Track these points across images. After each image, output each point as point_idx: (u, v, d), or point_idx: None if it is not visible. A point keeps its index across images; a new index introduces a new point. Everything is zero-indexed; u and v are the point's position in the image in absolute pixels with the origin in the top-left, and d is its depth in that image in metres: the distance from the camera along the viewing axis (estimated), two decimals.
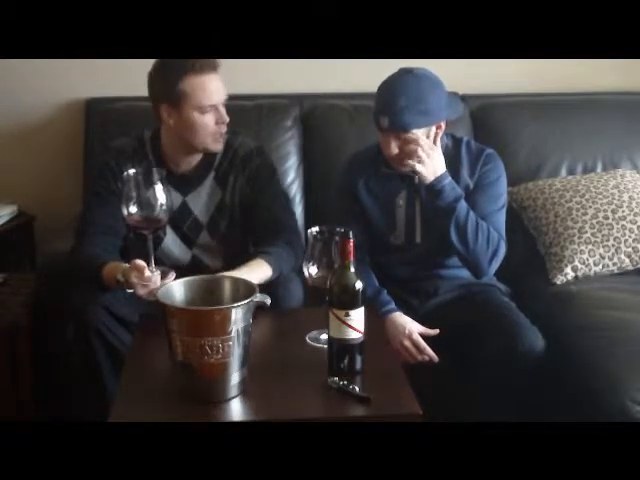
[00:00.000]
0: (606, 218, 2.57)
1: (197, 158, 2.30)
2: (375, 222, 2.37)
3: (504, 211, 2.34)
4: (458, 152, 2.34)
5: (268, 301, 1.72)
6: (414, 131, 2.18)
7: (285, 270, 2.18)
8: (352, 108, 2.82)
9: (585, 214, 2.58)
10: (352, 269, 1.76)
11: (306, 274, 1.90)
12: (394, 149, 2.21)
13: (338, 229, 1.82)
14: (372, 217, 2.37)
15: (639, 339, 2.18)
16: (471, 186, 2.31)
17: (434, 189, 2.21)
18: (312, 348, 1.91)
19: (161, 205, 2.00)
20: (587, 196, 2.63)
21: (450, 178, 2.22)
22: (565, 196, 2.65)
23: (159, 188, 1.99)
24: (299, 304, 2.21)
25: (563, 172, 2.81)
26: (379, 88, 2.24)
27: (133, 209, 1.99)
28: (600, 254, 2.54)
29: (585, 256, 2.53)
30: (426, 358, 2.20)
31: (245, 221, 2.33)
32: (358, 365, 1.77)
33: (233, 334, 1.63)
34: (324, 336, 1.85)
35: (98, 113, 2.79)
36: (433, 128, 2.22)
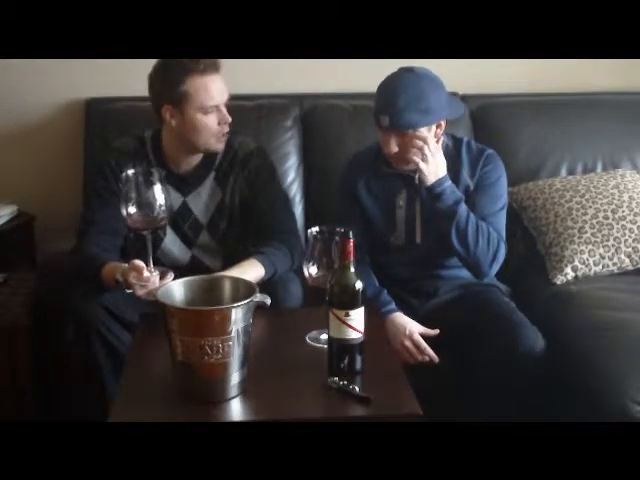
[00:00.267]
0: (606, 218, 2.57)
1: (197, 158, 2.30)
2: (375, 222, 2.37)
3: (504, 212, 2.34)
4: (458, 152, 2.34)
5: (268, 301, 1.72)
6: (420, 130, 2.18)
7: (280, 270, 2.18)
8: (352, 108, 2.82)
9: (585, 214, 2.58)
10: (352, 269, 1.76)
11: (306, 274, 1.89)
12: (394, 148, 2.21)
13: (338, 229, 1.82)
14: (372, 217, 2.37)
15: (639, 339, 2.18)
16: (471, 187, 2.31)
17: (434, 192, 2.21)
18: (312, 348, 1.91)
19: (160, 205, 2.00)
20: (587, 196, 2.63)
21: (450, 181, 2.22)
22: (565, 196, 2.64)
23: (158, 188, 1.99)
24: (299, 304, 2.21)
25: (563, 172, 2.81)
26: (379, 87, 2.24)
27: (132, 209, 1.99)
28: (600, 254, 2.54)
29: (585, 256, 2.53)
30: (426, 358, 2.20)
31: (245, 221, 2.33)
32: (358, 365, 1.77)
33: (233, 334, 1.63)
34: (324, 336, 1.85)
35: (98, 113, 2.78)
36: (433, 127, 2.22)
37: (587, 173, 2.79)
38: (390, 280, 2.34)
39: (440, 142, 2.26)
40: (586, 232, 2.55)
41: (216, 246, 2.34)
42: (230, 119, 2.22)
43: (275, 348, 1.95)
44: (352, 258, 1.75)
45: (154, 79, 2.21)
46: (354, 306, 1.75)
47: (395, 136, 2.20)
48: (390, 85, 2.21)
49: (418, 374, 1.99)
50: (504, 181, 2.36)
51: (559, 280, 2.54)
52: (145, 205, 1.99)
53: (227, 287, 1.78)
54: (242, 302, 1.64)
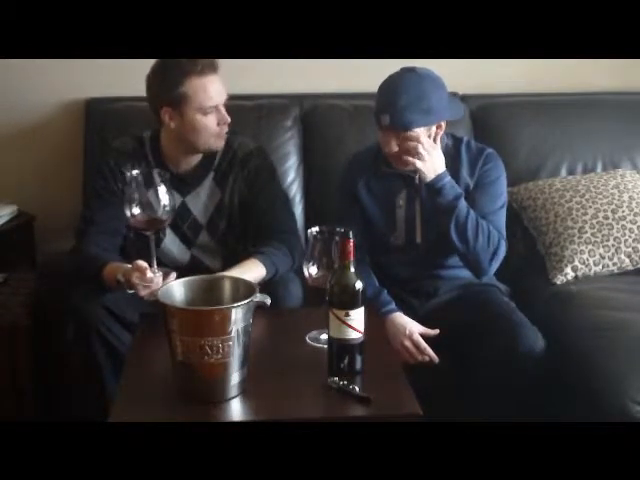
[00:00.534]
0: (606, 218, 2.57)
1: (196, 159, 2.30)
2: (375, 222, 2.37)
3: (504, 210, 2.34)
4: (458, 152, 2.34)
5: (268, 301, 1.72)
6: (415, 130, 2.18)
7: (281, 270, 2.18)
8: (352, 108, 2.82)
9: (585, 214, 2.58)
10: (352, 269, 1.76)
11: (306, 274, 1.89)
12: (394, 147, 2.21)
13: (338, 229, 1.82)
14: (372, 217, 2.37)
15: (639, 339, 2.18)
16: (471, 186, 2.31)
17: (434, 187, 2.21)
18: (312, 348, 1.91)
19: (164, 206, 2.01)
20: (587, 196, 2.63)
21: (450, 177, 2.22)
22: (565, 196, 2.64)
23: (162, 189, 2.00)
24: (299, 304, 2.21)
25: (563, 172, 2.81)
26: (380, 87, 2.24)
27: (136, 210, 2.00)
28: (600, 254, 2.54)
29: (585, 256, 2.53)
30: (426, 358, 2.20)
31: (244, 221, 2.33)
32: (358, 365, 1.77)
33: (233, 334, 1.63)
34: (324, 336, 1.85)
35: (98, 113, 2.78)
36: (433, 127, 2.22)
37: (587, 173, 2.79)
38: (390, 280, 2.34)
39: (438, 139, 2.26)
40: (586, 232, 2.55)
41: (216, 246, 2.34)
42: (229, 119, 2.22)
43: (275, 348, 1.95)
44: (352, 258, 1.75)
45: (152, 81, 2.21)
46: (354, 306, 1.75)
47: (395, 136, 2.20)
48: (391, 85, 2.21)
49: (418, 374, 1.99)
50: (504, 180, 2.36)
51: (559, 280, 2.54)
52: (149, 206, 2.00)
53: (227, 287, 1.78)
54: (242, 302, 1.64)
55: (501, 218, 2.32)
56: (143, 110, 2.29)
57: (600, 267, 2.54)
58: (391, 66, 2.23)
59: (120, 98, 2.77)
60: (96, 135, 2.73)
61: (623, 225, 2.56)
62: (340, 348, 1.77)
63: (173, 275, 2.02)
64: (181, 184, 2.28)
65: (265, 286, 2.03)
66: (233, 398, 1.69)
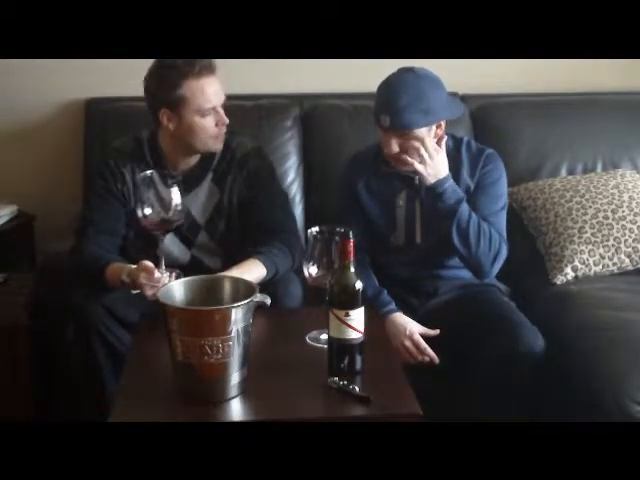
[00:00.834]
0: (606, 218, 2.57)
1: (195, 159, 2.30)
2: (375, 222, 2.37)
3: (505, 212, 2.33)
4: (458, 153, 2.34)
5: (268, 301, 1.72)
6: (418, 130, 2.18)
7: (282, 270, 2.18)
8: (352, 108, 2.82)
9: (585, 214, 2.58)
10: (352, 269, 1.76)
11: (306, 274, 1.89)
12: (394, 148, 2.21)
13: (338, 229, 1.82)
14: (372, 217, 2.37)
15: (639, 339, 2.18)
16: (472, 187, 2.31)
17: (435, 192, 2.21)
18: (312, 348, 1.91)
19: (176, 205, 2.01)
20: (587, 196, 2.63)
21: (452, 181, 2.22)
22: (565, 196, 2.64)
23: (174, 190, 2.01)
24: (299, 304, 2.21)
25: (563, 172, 2.81)
26: (379, 87, 2.24)
27: (148, 210, 2.00)
28: (600, 254, 2.54)
29: (585, 256, 2.53)
30: (426, 359, 2.19)
31: (243, 221, 2.33)
32: (358, 365, 1.77)
33: (233, 334, 1.63)
34: (324, 336, 1.85)
35: (98, 113, 2.79)
36: (433, 127, 2.22)
37: (587, 173, 2.79)
38: (390, 280, 2.34)
39: (443, 143, 2.26)
40: (586, 232, 2.55)
41: (215, 246, 2.34)
42: (227, 120, 2.22)
43: (275, 348, 1.95)
44: (352, 258, 1.75)
45: (149, 83, 2.21)
46: (354, 306, 1.75)
47: (396, 136, 2.20)
48: (390, 85, 2.21)
49: (418, 374, 1.99)
50: (504, 181, 2.36)
51: (559, 280, 2.54)
52: (161, 206, 2.01)
53: (227, 287, 1.78)
54: (242, 302, 1.64)
55: (502, 219, 2.32)
56: (143, 110, 2.29)
57: (600, 267, 2.54)
58: (391, 66, 2.23)
59: (120, 98, 2.77)
60: (96, 135, 2.74)
61: (623, 225, 2.56)
62: (340, 348, 1.77)
63: (180, 274, 2.03)
64: (180, 184, 2.28)
65: (265, 286, 2.03)
66: (233, 398, 1.69)
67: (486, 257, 2.23)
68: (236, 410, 1.69)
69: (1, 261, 2.65)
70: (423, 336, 2.21)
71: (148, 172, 2.03)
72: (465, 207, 2.22)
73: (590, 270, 2.54)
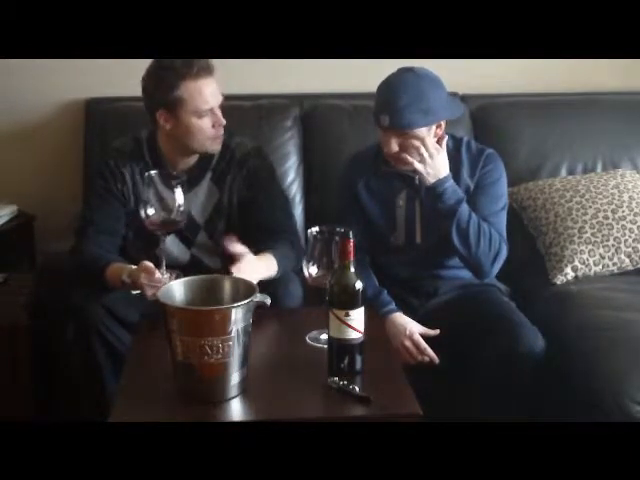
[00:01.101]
0: (606, 218, 2.57)
1: (194, 159, 2.30)
2: (375, 222, 2.37)
3: (505, 212, 2.33)
4: (458, 153, 2.34)
5: (268, 301, 1.72)
6: (418, 130, 2.18)
7: (286, 269, 2.18)
8: (352, 108, 2.82)
9: (585, 214, 2.58)
10: (352, 269, 1.76)
11: (306, 274, 1.90)
12: (394, 147, 2.21)
13: (338, 229, 1.82)
14: (372, 217, 2.37)
15: (639, 339, 2.18)
16: (472, 187, 2.31)
17: (435, 192, 2.21)
18: (312, 348, 1.91)
19: (179, 206, 2.01)
20: (587, 196, 2.63)
21: (452, 181, 2.22)
22: (565, 196, 2.64)
23: (178, 191, 2.01)
24: (299, 304, 2.21)
25: (563, 172, 2.81)
26: (379, 87, 2.24)
27: (151, 211, 2.00)
28: (600, 254, 2.54)
29: (585, 256, 2.53)
30: (427, 359, 2.19)
31: (243, 221, 2.33)
32: (358, 365, 1.77)
33: (233, 334, 1.63)
34: (324, 336, 1.85)
35: (98, 113, 2.79)
36: (433, 127, 2.22)
37: (587, 173, 2.79)
38: (390, 280, 2.34)
39: (444, 143, 2.26)
40: (586, 232, 2.55)
41: (215, 246, 2.34)
42: (224, 122, 2.22)
43: (275, 348, 1.95)
44: (352, 258, 1.75)
45: (147, 84, 2.21)
46: (354, 306, 1.75)
47: (395, 136, 2.20)
48: (390, 85, 2.21)
49: (418, 374, 1.99)
50: (504, 181, 2.36)
51: (559, 280, 2.54)
52: (164, 207, 2.01)
53: (227, 287, 1.78)
54: (242, 302, 1.64)
55: (502, 220, 2.32)
56: (143, 110, 2.28)
57: (600, 267, 2.54)
58: (391, 66, 2.23)
59: (120, 98, 2.77)
60: (96, 135, 2.74)
61: (623, 225, 2.56)
62: (340, 348, 1.77)
63: (180, 275, 2.03)
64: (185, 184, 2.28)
65: (265, 286, 2.03)
66: (233, 398, 1.69)
67: (486, 257, 2.23)
68: (236, 410, 1.69)
69: (1, 261, 2.65)
70: (423, 336, 2.21)
71: (152, 172, 2.03)
72: (465, 207, 2.22)
73: (590, 270, 2.54)
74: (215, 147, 2.26)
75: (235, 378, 1.68)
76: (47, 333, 2.41)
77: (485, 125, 2.85)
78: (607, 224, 2.56)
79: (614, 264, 2.55)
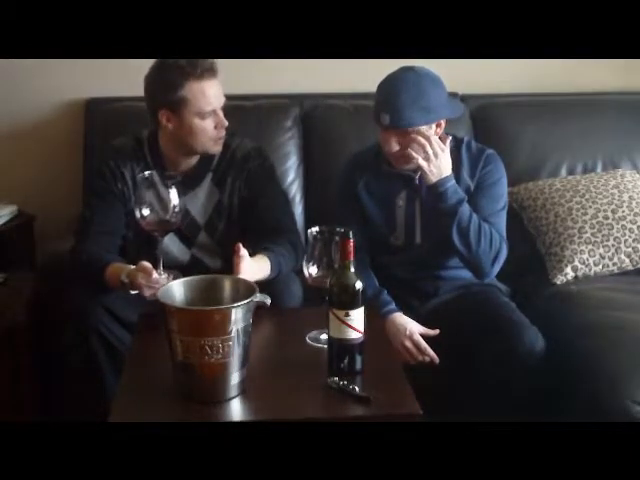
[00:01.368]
0: (606, 218, 2.57)
1: (195, 159, 2.30)
2: (375, 222, 2.37)
3: (505, 212, 2.34)
4: (458, 153, 2.34)
5: (268, 301, 1.72)
6: (419, 128, 2.18)
7: (285, 270, 2.18)
8: (352, 108, 2.82)
9: (585, 214, 2.58)
10: (352, 269, 1.76)
11: (306, 274, 1.89)
12: (394, 146, 2.21)
13: (338, 229, 1.82)
14: (372, 217, 2.37)
15: (639, 339, 2.18)
16: (472, 187, 2.31)
17: (437, 191, 2.21)
18: (312, 348, 1.91)
19: (174, 207, 2.01)
20: (587, 196, 2.63)
21: (454, 181, 2.22)
22: (565, 196, 2.65)
23: (172, 191, 2.00)
24: (299, 304, 2.21)
25: (563, 172, 2.81)
26: (380, 85, 2.24)
27: (146, 212, 2.00)
28: (600, 254, 2.54)
29: (585, 256, 2.53)
30: (427, 359, 2.19)
31: (244, 222, 2.33)
32: (358, 365, 1.77)
33: (233, 334, 1.63)
34: (324, 336, 1.85)
35: (98, 113, 2.79)
36: (433, 126, 2.22)
37: (587, 173, 2.79)
38: (390, 280, 2.34)
39: (448, 142, 2.26)
40: (586, 232, 2.55)
41: (215, 246, 2.34)
42: (227, 123, 2.22)
43: (275, 348, 1.95)
44: (352, 258, 1.75)
45: (150, 84, 2.21)
46: (354, 306, 1.75)
47: (396, 135, 2.20)
48: (391, 84, 2.21)
49: (418, 374, 1.99)
50: (504, 181, 2.36)
51: (559, 280, 2.54)
52: (159, 207, 2.00)
53: (227, 287, 1.78)
54: (242, 302, 1.64)
55: (502, 220, 2.32)
56: (143, 110, 2.29)
57: (600, 267, 2.54)
58: (391, 66, 2.23)
59: (120, 98, 2.77)
60: (96, 135, 2.74)
61: (623, 225, 2.56)
62: (340, 348, 1.77)
63: (178, 275, 2.02)
64: (180, 184, 2.28)
65: (265, 286, 2.02)
66: (233, 398, 1.69)
67: (487, 257, 2.23)
68: (236, 410, 1.69)
69: (1, 261, 2.65)
70: (423, 336, 2.21)
71: (146, 173, 2.02)
72: (466, 207, 2.22)
73: (590, 270, 2.54)
74: (216, 148, 2.26)
75: (235, 378, 1.68)
76: (47, 333, 2.41)
77: (485, 125, 2.85)
78: (607, 224, 2.56)
79: (614, 264, 2.55)
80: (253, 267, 2.04)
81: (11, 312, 2.40)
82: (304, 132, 2.83)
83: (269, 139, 2.72)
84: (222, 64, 2.21)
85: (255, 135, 2.58)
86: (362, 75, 2.73)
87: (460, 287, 2.37)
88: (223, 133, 2.24)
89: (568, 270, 2.53)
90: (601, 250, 2.54)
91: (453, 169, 2.26)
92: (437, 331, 2.21)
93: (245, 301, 1.65)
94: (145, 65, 2.20)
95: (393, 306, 2.26)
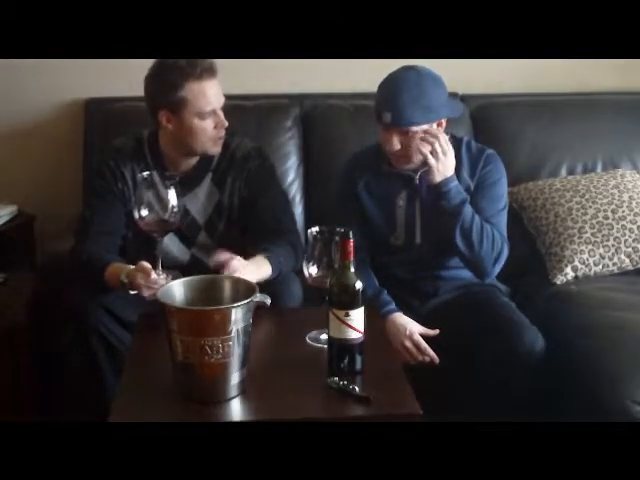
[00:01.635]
0: (606, 218, 2.57)
1: (195, 159, 2.30)
2: (375, 222, 2.37)
3: (505, 212, 2.34)
4: (458, 153, 2.33)
5: (268, 301, 1.73)
6: (421, 127, 2.18)
7: (285, 270, 2.18)
8: (352, 108, 2.82)
9: (585, 214, 2.58)
10: (352, 269, 1.75)
11: (306, 274, 1.89)
12: (396, 145, 2.21)
13: (338, 229, 1.82)
14: (372, 217, 2.37)
15: (639, 339, 2.18)
16: (472, 187, 2.31)
17: (440, 190, 2.21)
18: (312, 348, 1.91)
19: (173, 207, 2.00)
20: (587, 196, 2.63)
21: (457, 181, 2.22)
22: (565, 196, 2.65)
23: (171, 192, 2.00)
24: (299, 304, 2.21)
25: (563, 172, 2.81)
26: (381, 85, 2.24)
27: (144, 212, 1.99)
28: (600, 254, 2.54)
29: (585, 256, 2.53)
30: (427, 359, 2.20)
31: (244, 222, 2.33)
32: (358, 365, 1.77)
33: (233, 334, 1.63)
34: (324, 336, 1.85)
35: (98, 113, 2.79)
36: (434, 125, 2.22)
37: (587, 173, 2.79)
38: (390, 280, 2.34)
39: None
40: (586, 232, 2.55)
41: (215, 246, 2.33)
42: (227, 123, 2.22)
43: (275, 348, 1.95)
44: (352, 258, 1.75)
45: (150, 84, 2.21)
46: (354, 306, 1.75)
47: (397, 134, 2.20)
48: (392, 83, 2.21)
49: (418, 374, 1.99)
50: (504, 181, 2.36)
51: (559, 280, 2.54)
52: (158, 207, 2.00)
53: (227, 287, 1.78)
54: (242, 302, 1.64)
55: (502, 220, 2.32)
56: (143, 110, 2.29)
57: (600, 267, 2.54)
58: (391, 66, 2.23)
59: (120, 98, 2.77)
60: (96, 135, 2.74)
61: (623, 225, 2.56)
62: (340, 348, 1.77)
63: (178, 276, 2.02)
64: (179, 184, 2.28)
65: (265, 286, 2.02)
66: (233, 398, 1.69)
67: (488, 257, 2.23)
68: (236, 410, 1.69)
69: (1, 261, 2.65)
70: (423, 336, 2.21)
71: (146, 173, 2.02)
72: (469, 208, 2.21)
73: (590, 270, 2.54)
74: (216, 149, 2.26)
75: (235, 378, 1.68)
76: (47, 333, 2.41)
77: (485, 125, 2.85)
78: (607, 224, 2.56)
79: (614, 264, 2.55)
80: (250, 266, 2.04)
81: (11, 312, 2.40)
82: (304, 132, 2.83)
83: (269, 139, 2.73)
84: (222, 64, 2.20)
85: (255, 135, 2.59)
86: (362, 75, 2.73)
87: (460, 287, 2.37)
88: (223, 133, 2.24)
89: (568, 270, 2.53)
90: (601, 250, 2.54)
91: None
92: (437, 331, 2.21)
93: (245, 301, 1.65)
94: (145, 65, 2.20)
95: (393, 306, 2.26)
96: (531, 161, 2.81)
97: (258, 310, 1.71)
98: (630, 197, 2.61)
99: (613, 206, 2.59)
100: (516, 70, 2.95)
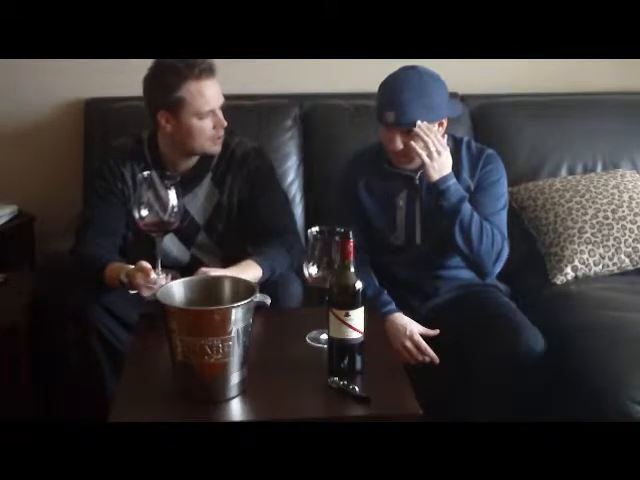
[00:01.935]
0: (606, 218, 2.57)
1: (194, 159, 2.30)
2: (375, 222, 2.37)
3: (505, 211, 2.33)
4: (458, 153, 2.34)
5: (268, 301, 1.73)
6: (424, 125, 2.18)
7: (279, 270, 2.18)
8: (352, 108, 2.82)
9: (585, 214, 2.58)
10: (352, 269, 1.75)
11: (306, 274, 1.89)
12: (399, 144, 2.22)
13: (338, 229, 1.82)
14: (372, 217, 2.37)
15: (639, 339, 2.18)
16: (472, 187, 2.31)
17: (438, 189, 2.21)
18: (312, 348, 1.91)
19: (173, 207, 2.00)
20: (587, 196, 2.63)
21: (455, 179, 2.22)
22: (565, 196, 2.65)
23: (171, 192, 2.00)
24: (299, 304, 2.21)
25: (563, 172, 2.81)
26: (382, 84, 2.24)
27: (144, 212, 1.99)
28: (600, 254, 2.54)
29: (585, 256, 2.53)
30: (427, 359, 2.20)
31: (243, 222, 2.33)
32: (358, 365, 1.77)
33: (233, 334, 1.63)
34: (324, 336, 1.85)
35: (98, 113, 2.79)
36: (435, 125, 2.22)
37: (587, 173, 2.79)
38: (390, 280, 2.34)
39: (445, 139, 2.26)
40: (586, 232, 2.55)
41: (215, 246, 2.34)
42: (225, 123, 2.22)
43: (275, 348, 1.95)
44: (352, 258, 1.75)
45: (149, 84, 2.21)
46: (354, 306, 1.75)
47: (400, 133, 2.21)
48: (394, 82, 2.21)
49: (418, 374, 1.99)
50: (504, 181, 2.36)
51: (559, 280, 2.54)
52: (158, 208, 2.00)
53: (227, 287, 1.78)
54: (242, 302, 1.64)
55: (502, 219, 2.32)
56: (143, 110, 2.29)
57: (600, 267, 2.54)
58: (391, 66, 2.23)
59: (120, 98, 2.77)
60: (96, 135, 2.74)
61: (623, 225, 2.56)
62: (340, 348, 1.77)
63: (177, 276, 2.02)
64: (179, 184, 2.28)
65: (265, 286, 2.03)
66: (233, 398, 1.69)
67: (488, 256, 2.23)
68: (236, 410, 1.69)
69: (1, 261, 2.65)
70: (423, 336, 2.21)
71: (145, 173, 2.02)
72: (467, 206, 2.22)
73: (590, 270, 2.54)
74: (215, 149, 2.26)
75: (235, 378, 1.68)
76: (47, 333, 2.41)
77: (485, 125, 2.85)
78: (607, 224, 2.56)
79: (614, 264, 2.55)
80: (232, 272, 2.02)
81: (11, 312, 2.40)
82: (304, 132, 2.83)
83: (269, 139, 2.73)
84: (222, 64, 2.20)
85: (255, 135, 2.59)
86: (362, 75, 2.73)
87: (460, 287, 2.37)
88: (222, 133, 2.24)
89: (568, 270, 2.53)
90: (601, 250, 2.54)
91: (453, 169, 2.26)
92: (437, 331, 2.21)
93: (245, 301, 1.65)
94: (145, 65, 2.20)
95: (393, 306, 2.26)
96: (531, 161, 2.81)
97: (258, 310, 1.71)
98: (630, 197, 2.61)
99: (613, 206, 2.59)
100: (516, 70, 2.95)
